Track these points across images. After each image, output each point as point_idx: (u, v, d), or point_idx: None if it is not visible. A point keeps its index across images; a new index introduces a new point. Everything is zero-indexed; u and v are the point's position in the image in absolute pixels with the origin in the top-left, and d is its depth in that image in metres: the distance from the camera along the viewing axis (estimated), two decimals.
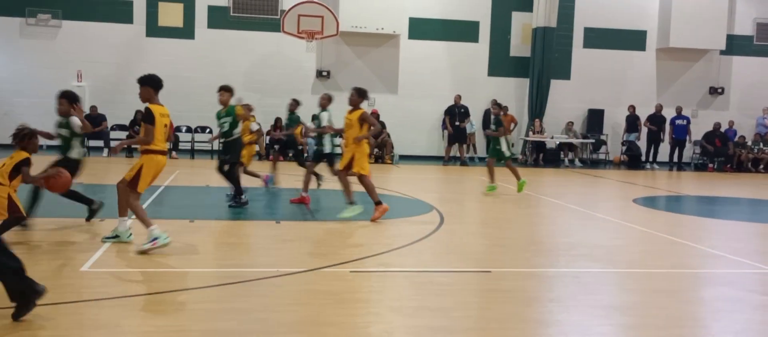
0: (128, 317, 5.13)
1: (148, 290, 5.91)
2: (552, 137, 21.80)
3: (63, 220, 9.04)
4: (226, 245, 7.94)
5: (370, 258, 7.31)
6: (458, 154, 20.79)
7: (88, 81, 19.87)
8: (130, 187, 7.40)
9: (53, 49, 19.73)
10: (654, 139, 21.74)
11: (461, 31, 21.89)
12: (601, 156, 22.68)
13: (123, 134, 19.02)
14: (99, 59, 20.00)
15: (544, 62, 21.70)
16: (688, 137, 21.81)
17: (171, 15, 20.34)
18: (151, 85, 7.56)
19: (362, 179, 9.81)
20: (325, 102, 11.36)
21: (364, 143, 9.83)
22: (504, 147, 13.67)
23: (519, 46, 22.27)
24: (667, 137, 21.77)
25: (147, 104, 7.49)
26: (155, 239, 7.15)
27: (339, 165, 10.04)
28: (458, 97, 20.67)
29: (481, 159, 21.82)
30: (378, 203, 9.80)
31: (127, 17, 20.11)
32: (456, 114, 20.53)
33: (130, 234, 7.58)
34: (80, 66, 19.82)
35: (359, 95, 10.13)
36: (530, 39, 22.01)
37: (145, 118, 7.40)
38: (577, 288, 6.51)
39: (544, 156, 21.61)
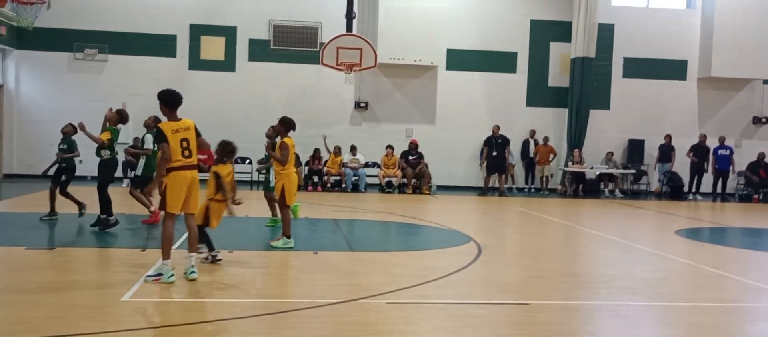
0: None
1: (186, 320, 5.98)
2: (591, 168, 21.57)
3: (106, 250, 9.23)
4: (263, 276, 8.01)
5: (407, 290, 7.30)
6: (497, 185, 20.68)
7: (132, 113, 20.21)
8: (162, 209, 7.41)
9: (99, 83, 20.26)
10: (697, 170, 21.37)
11: (499, 61, 21.90)
12: (642, 187, 22.35)
13: None
14: (143, 92, 20.39)
15: (583, 92, 21.56)
16: (731, 168, 21.39)
17: (213, 48, 20.76)
18: (161, 101, 7.60)
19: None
20: (152, 123, 11.45)
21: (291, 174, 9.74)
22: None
23: (557, 76, 22.18)
24: (710, 168, 21.38)
25: (158, 125, 7.48)
26: (160, 274, 7.19)
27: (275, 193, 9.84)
28: (496, 128, 20.63)
29: (520, 190, 21.69)
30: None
31: (170, 51, 20.58)
32: (494, 145, 20.47)
33: (194, 271, 7.44)
34: (125, 99, 20.24)
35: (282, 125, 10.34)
36: (569, 69, 21.91)
37: (157, 138, 7.41)
38: (616, 321, 6.41)
39: (584, 187, 21.38)
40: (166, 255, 7.24)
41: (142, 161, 11.72)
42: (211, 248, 8.43)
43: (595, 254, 10.79)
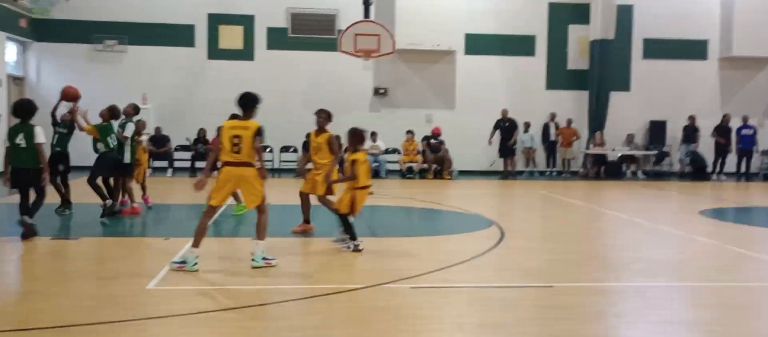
0: (189, 334, 5.23)
1: (211, 308, 6.02)
2: (613, 150, 21.39)
3: (133, 239, 9.30)
4: (287, 262, 8.02)
5: (430, 274, 7.29)
6: (510, 168, 20.62)
7: (153, 104, 20.44)
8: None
9: (119, 73, 20.38)
10: (721, 151, 21.12)
11: (518, 45, 21.74)
12: (665, 168, 22.13)
13: (186, 155, 19.48)
14: (163, 82, 20.57)
15: (603, 74, 21.35)
16: (755, 147, 21.12)
17: (231, 37, 20.80)
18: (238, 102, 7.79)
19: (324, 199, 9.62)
20: (131, 111, 11.46)
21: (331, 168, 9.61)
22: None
23: (576, 58, 21.98)
24: (733, 147, 21.13)
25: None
26: (184, 262, 7.23)
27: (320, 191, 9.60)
28: (505, 112, 20.52)
29: (541, 173, 21.57)
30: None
31: (189, 41, 20.64)
32: (502, 128, 20.42)
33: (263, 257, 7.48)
34: (145, 89, 20.40)
35: (328, 118, 10.08)
36: (588, 51, 21.71)
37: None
38: (642, 303, 6.36)
39: (606, 169, 21.22)
40: (195, 243, 7.30)
41: (127, 149, 11.46)
42: (353, 237, 8.40)
43: (619, 236, 10.70)
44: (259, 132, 7.59)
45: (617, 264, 8.28)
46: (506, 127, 20.41)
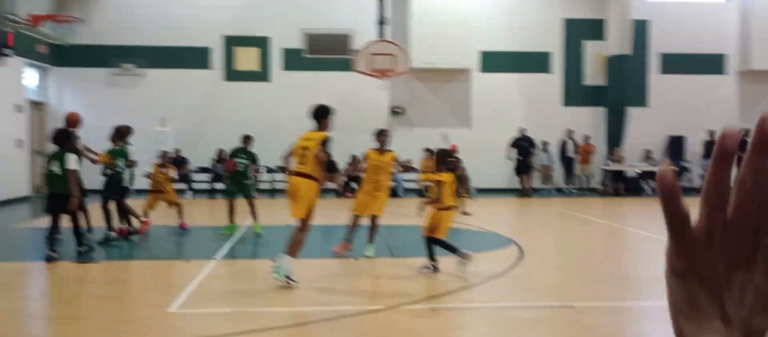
0: None
1: (231, 330, 6.03)
2: (632, 166, 21.27)
3: (155, 262, 9.35)
4: (308, 283, 8.03)
5: (450, 295, 7.27)
6: (527, 186, 20.54)
7: (171, 126, 20.62)
8: None
9: (138, 96, 20.57)
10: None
11: (533, 62, 21.74)
12: (684, 184, 21.95)
13: (205, 176, 19.58)
14: (180, 104, 20.74)
15: (620, 90, 21.27)
16: None
17: (247, 59, 20.96)
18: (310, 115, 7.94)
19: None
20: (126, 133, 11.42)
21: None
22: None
23: (593, 74, 21.93)
24: None
25: None
26: (288, 276, 7.29)
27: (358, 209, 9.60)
28: (523, 130, 20.49)
29: (559, 190, 21.48)
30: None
31: (205, 63, 20.83)
32: (519, 147, 20.38)
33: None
34: (163, 112, 20.58)
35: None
36: (605, 67, 21.66)
37: None
38: (665, 324, 6.27)
39: (625, 185, 21.08)
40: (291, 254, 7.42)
41: (126, 173, 11.40)
42: (456, 251, 8.22)
43: (641, 254, 10.62)
44: (324, 142, 7.66)
45: (639, 283, 8.21)
46: (524, 146, 20.35)
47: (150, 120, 20.35)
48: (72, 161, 8.97)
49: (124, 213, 10.99)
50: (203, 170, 19.84)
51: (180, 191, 19.13)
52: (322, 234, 11.81)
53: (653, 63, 22.04)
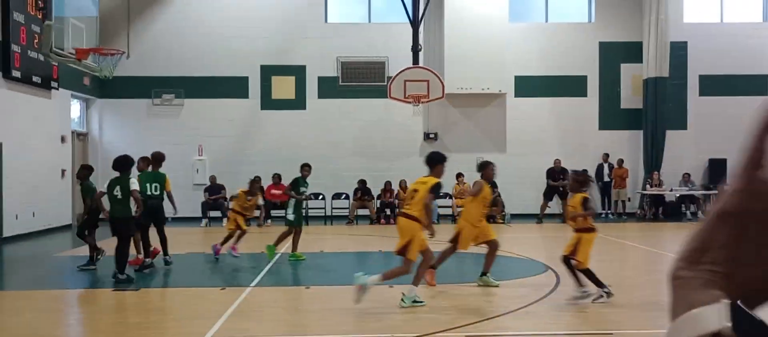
0: None
1: None
2: (671, 190, 20.93)
3: (191, 290, 9.45)
4: (340, 311, 8.03)
5: (486, 322, 7.22)
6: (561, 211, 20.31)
7: (208, 155, 20.94)
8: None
9: (176, 126, 20.95)
10: None
11: (569, 86, 21.61)
12: None
13: None
14: (218, 133, 21.06)
15: (658, 113, 21.01)
16: None
17: (284, 88, 21.22)
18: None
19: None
20: (144, 166, 11.51)
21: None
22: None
23: (630, 97, 21.71)
24: None
25: None
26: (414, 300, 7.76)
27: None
28: (557, 162, 20.31)
29: (596, 215, 21.18)
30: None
31: (243, 92, 21.14)
32: (552, 178, 20.21)
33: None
34: (201, 141, 20.93)
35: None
36: (641, 90, 21.43)
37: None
38: None
39: (664, 210, 20.73)
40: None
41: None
42: (600, 285, 8.14)
43: None
44: (433, 188, 7.97)
45: None
46: (559, 178, 20.16)
47: (188, 149, 20.71)
48: (134, 184, 9.69)
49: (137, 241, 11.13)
50: None
51: (217, 219, 19.41)
52: (355, 259, 11.86)
53: (692, 85, 21.73)
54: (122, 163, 9.92)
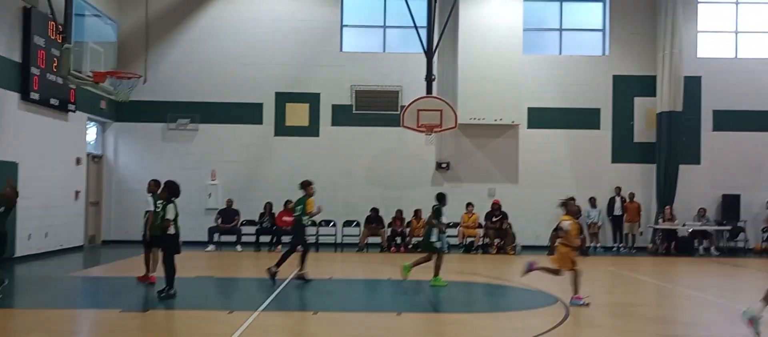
0: None
1: None
2: (684, 225, 20.76)
3: (199, 313, 9.47)
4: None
5: None
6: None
7: (221, 179, 21.05)
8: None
9: (191, 151, 21.10)
10: None
11: (582, 118, 21.60)
12: (740, 244, 21.30)
13: (253, 229, 19.78)
14: (231, 158, 21.18)
15: (672, 147, 20.93)
16: None
17: (297, 114, 21.36)
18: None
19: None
20: (154, 187, 11.83)
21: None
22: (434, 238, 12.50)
23: (643, 131, 21.65)
24: None
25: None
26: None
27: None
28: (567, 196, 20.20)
29: (606, 249, 21.08)
30: None
31: (257, 118, 21.28)
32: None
33: None
34: (214, 165, 21.06)
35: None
36: (655, 124, 21.39)
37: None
38: None
39: (676, 245, 20.55)
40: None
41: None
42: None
43: (694, 315, 10.32)
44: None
45: None
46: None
47: (201, 174, 20.84)
48: (170, 212, 10.17)
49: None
50: (250, 223, 20.07)
51: (230, 244, 19.43)
52: (364, 286, 11.85)
53: (705, 119, 21.66)
54: (173, 190, 10.49)
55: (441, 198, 12.81)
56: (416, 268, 12.41)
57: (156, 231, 10.81)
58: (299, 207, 12.71)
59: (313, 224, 20.25)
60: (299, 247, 12.57)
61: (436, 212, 12.49)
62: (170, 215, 10.14)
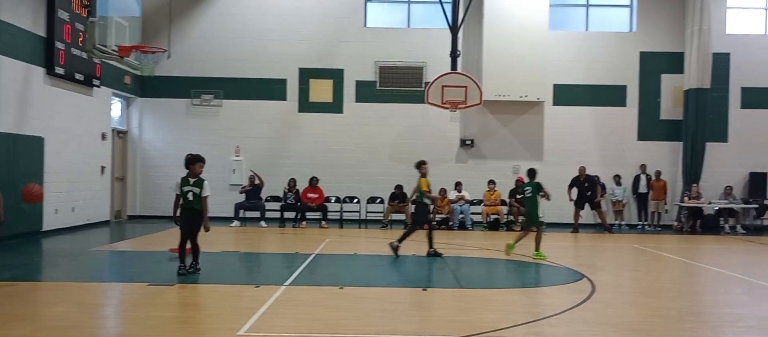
0: None
1: None
2: (710, 203, 20.53)
3: (225, 286, 9.53)
4: (374, 312, 8.03)
5: (520, 327, 7.15)
6: (603, 221, 20.03)
7: (245, 155, 21.12)
8: None
9: (215, 127, 21.19)
10: None
11: (608, 95, 21.37)
12: (766, 222, 21.02)
13: (277, 205, 19.87)
14: (255, 135, 21.24)
15: (699, 125, 20.66)
16: None
17: (321, 91, 21.33)
18: None
19: None
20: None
21: None
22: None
23: (670, 109, 21.38)
24: None
25: None
26: None
27: None
28: (582, 170, 20.02)
29: (631, 226, 20.92)
30: None
31: (281, 95, 21.28)
32: (579, 186, 19.91)
33: None
34: (238, 142, 21.13)
35: None
36: (682, 101, 21.09)
37: None
38: None
39: (702, 222, 20.34)
40: None
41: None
42: None
43: (719, 292, 10.21)
44: None
45: (718, 322, 7.88)
46: (585, 187, 19.90)
47: (225, 150, 20.93)
48: (207, 188, 10.02)
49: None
50: (275, 198, 20.14)
51: (255, 219, 19.55)
52: (389, 262, 11.89)
53: (733, 97, 21.34)
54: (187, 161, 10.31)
55: (535, 172, 13.57)
56: (444, 245, 12.42)
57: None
58: (416, 189, 13.25)
59: (338, 200, 20.31)
60: (423, 226, 13.10)
61: (539, 186, 13.27)
62: (207, 192, 10.03)
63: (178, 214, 10.12)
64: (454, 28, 18.96)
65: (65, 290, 8.98)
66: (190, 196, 10.03)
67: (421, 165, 13.36)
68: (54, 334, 6.63)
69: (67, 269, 11.21)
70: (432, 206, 13.53)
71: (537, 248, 12.97)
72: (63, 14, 16.04)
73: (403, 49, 21.17)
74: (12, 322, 7.05)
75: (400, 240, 12.85)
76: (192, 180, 10.09)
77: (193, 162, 10.19)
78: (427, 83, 19.57)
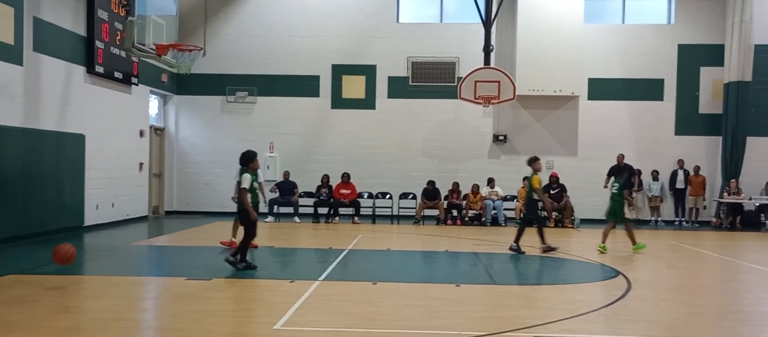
0: None
1: None
2: (750, 199, 20.14)
3: (261, 281, 9.64)
4: (407, 307, 8.06)
5: (554, 323, 7.12)
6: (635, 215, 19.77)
7: (279, 152, 21.30)
8: None
9: (249, 123, 21.40)
10: None
11: (645, 89, 21.08)
12: None
13: (311, 201, 20.00)
14: (289, 131, 21.40)
15: (739, 119, 20.25)
16: None
17: (354, 87, 21.40)
18: None
19: None
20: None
21: None
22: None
23: (709, 102, 21.01)
24: None
25: None
26: None
27: None
28: (621, 158, 19.69)
29: (668, 222, 20.63)
30: None
31: (314, 91, 21.40)
32: (616, 175, 19.58)
33: None
34: (272, 138, 21.32)
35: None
36: (722, 94, 20.71)
37: None
38: None
39: (742, 219, 19.98)
40: None
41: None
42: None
43: (761, 290, 10.04)
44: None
45: (760, 320, 7.76)
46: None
47: (259, 146, 21.07)
48: (246, 181, 10.15)
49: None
50: (308, 194, 20.26)
51: (288, 215, 19.70)
52: (421, 258, 11.88)
53: None
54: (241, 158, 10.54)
55: (625, 169, 14.36)
56: (477, 241, 12.37)
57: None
58: (528, 184, 13.55)
59: (371, 196, 20.34)
60: (534, 223, 13.42)
61: (625, 182, 13.69)
62: (245, 184, 10.22)
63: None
64: (487, 23, 18.87)
65: (108, 284, 9.19)
66: (257, 189, 10.65)
67: (534, 161, 13.43)
68: (99, 326, 6.80)
69: (108, 263, 11.44)
70: (540, 203, 13.57)
71: (634, 242, 13.33)
72: (102, 14, 16.33)
73: (435, 44, 21.14)
74: (60, 314, 7.24)
75: (517, 240, 13.02)
76: (252, 175, 10.40)
77: (254, 158, 10.57)
78: (459, 78, 19.51)
